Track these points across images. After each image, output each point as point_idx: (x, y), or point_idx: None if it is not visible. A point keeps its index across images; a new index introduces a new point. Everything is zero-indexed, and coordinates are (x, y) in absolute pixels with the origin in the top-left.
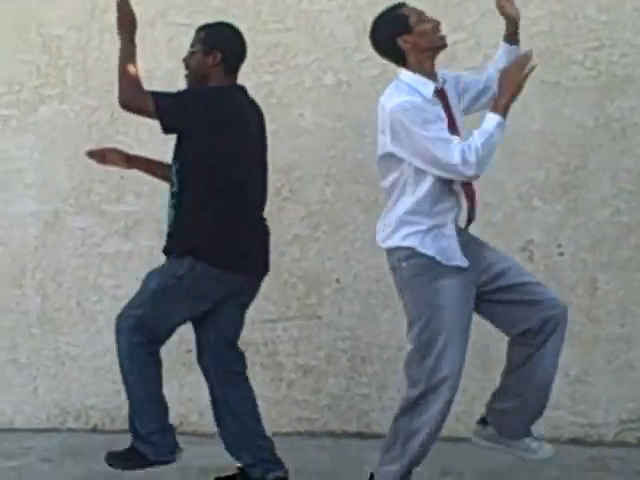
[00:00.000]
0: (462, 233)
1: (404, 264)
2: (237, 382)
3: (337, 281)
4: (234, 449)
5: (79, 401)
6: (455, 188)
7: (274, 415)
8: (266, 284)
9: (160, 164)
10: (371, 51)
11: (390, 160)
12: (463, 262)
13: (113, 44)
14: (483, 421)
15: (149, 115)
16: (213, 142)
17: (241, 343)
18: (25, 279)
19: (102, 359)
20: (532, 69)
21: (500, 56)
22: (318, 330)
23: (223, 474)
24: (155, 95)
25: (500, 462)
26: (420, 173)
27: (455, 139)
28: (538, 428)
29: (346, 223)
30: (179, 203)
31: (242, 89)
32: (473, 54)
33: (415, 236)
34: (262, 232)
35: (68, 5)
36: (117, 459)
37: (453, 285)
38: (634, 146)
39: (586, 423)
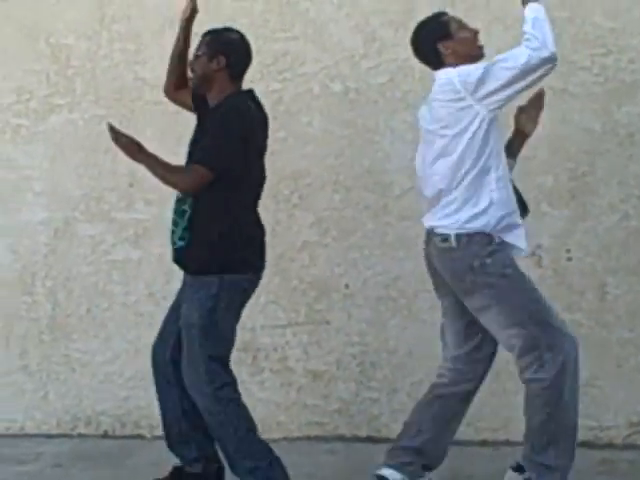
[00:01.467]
0: None
1: (488, 261)
2: None
3: (346, 287)
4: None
5: (90, 407)
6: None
7: (284, 420)
8: (275, 290)
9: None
10: (379, 59)
11: (453, 146)
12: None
13: (122, 53)
14: (519, 468)
15: (208, 182)
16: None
17: (250, 348)
18: (35, 286)
19: (112, 365)
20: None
21: None
22: (327, 335)
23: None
24: (203, 164)
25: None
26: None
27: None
28: None
29: (355, 229)
30: (192, 221)
31: (250, 93)
32: None
33: (505, 221)
34: (262, 229)
35: (77, 15)
36: None
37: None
38: None
39: (596, 426)
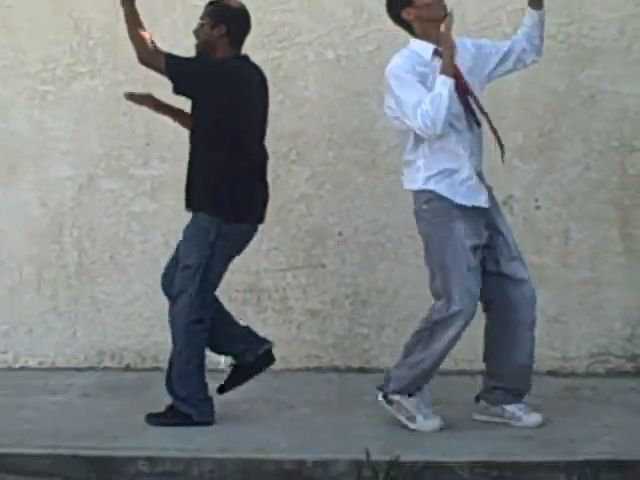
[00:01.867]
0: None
1: (424, 207)
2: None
3: (339, 234)
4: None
5: (113, 343)
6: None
7: (285, 354)
8: (276, 237)
9: (185, 114)
10: (367, 28)
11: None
12: (484, 203)
13: None
14: (476, 399)
15: (161, 73)
16: (217, 107)
17: (255, 290)
18: (63, 236)
19: (132, 306)
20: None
21: (526, 20)
22: (323, 277)
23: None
24: (168, 57)
25: None
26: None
27: (424, 102)
28: None
29: (347, 183)
30: (191, 162)
31: (245, 58)
32: (457, 29)
33: (435, 179)
34: (265, 186)
35: None
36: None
37: (462, 228)
38: (601, 110)
39: (561, 357)
